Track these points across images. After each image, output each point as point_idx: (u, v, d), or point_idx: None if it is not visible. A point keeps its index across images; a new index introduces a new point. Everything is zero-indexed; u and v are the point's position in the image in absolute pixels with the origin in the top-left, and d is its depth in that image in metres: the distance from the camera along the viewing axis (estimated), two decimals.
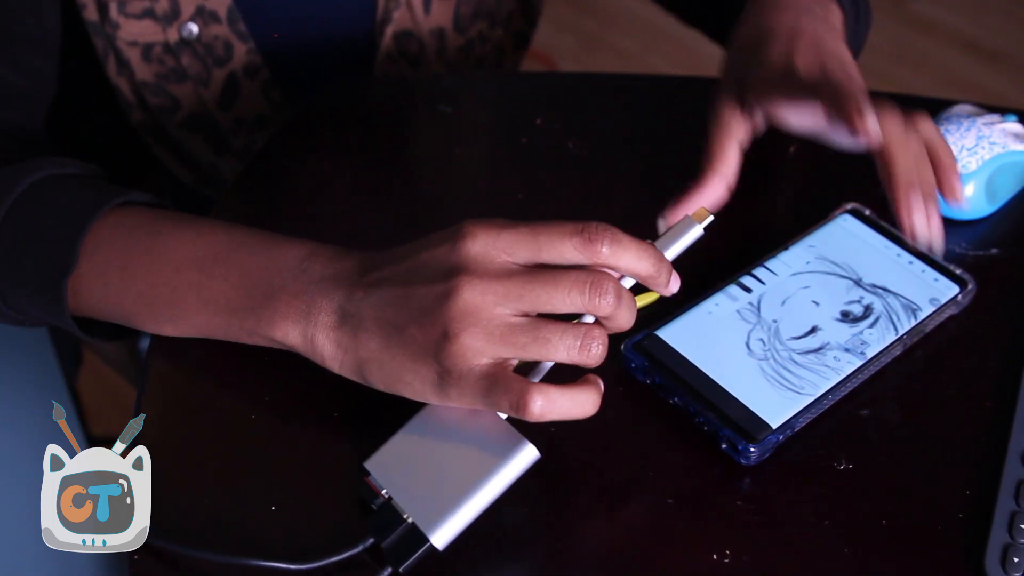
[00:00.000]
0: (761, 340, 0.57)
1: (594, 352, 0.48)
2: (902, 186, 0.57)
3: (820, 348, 0.57)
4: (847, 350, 0.57)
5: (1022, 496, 0.51)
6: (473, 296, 0.48)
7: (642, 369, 0.57)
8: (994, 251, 0.64)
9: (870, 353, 0.57)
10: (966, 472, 0.53)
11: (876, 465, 0.54)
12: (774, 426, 0.53)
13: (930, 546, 0.51)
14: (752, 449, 0.53)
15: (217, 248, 0.55)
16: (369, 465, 0.50)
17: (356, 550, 0.49)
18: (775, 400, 0.54)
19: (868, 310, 0.59)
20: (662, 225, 0.60)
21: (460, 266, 0.48)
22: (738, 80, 0.64)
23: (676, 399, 0.55)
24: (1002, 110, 0.68)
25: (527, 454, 0.49)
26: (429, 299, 0.48)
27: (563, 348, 0.48)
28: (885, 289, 0.60)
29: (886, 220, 0.63)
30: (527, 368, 0.50)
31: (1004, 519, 0.51)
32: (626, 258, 0.49)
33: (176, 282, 0.55)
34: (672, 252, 0.52)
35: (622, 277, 0.50)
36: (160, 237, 0.57)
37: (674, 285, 0.51)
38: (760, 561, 0.50)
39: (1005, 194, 0.66)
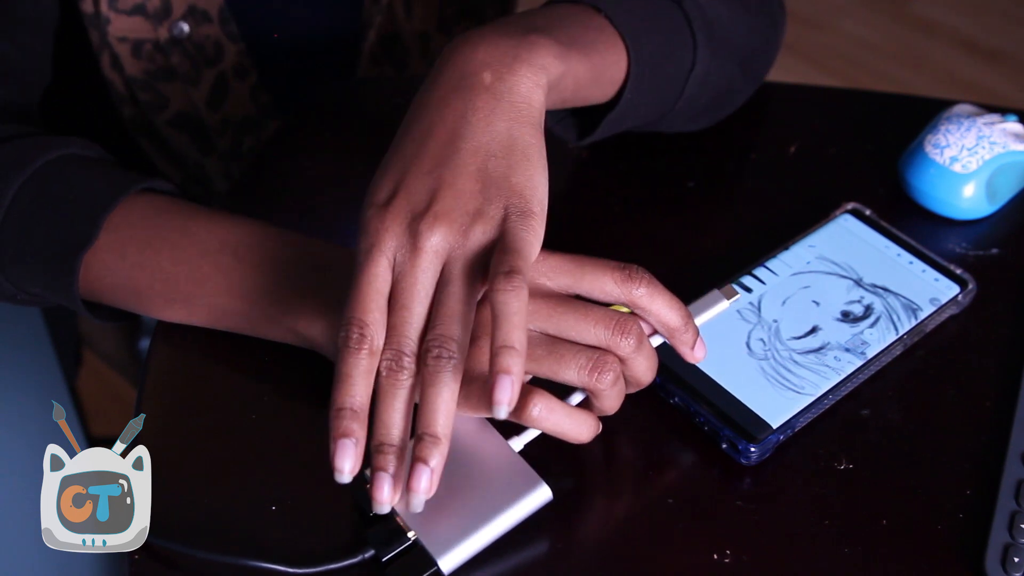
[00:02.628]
0: (761, 340, 0.57)
1: (603, 378, 0.49)
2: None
3: (820, 348, 0.57)
4: (847, 350, 0.57)
5: (1022, 496, 0.51)
6: None
7: None
8: (994, 251, 0.64)
9: (870, 353, 0.57)
10: (966, 472, 0.53)
11: (876, 465, 0.54)
12: (774, 426, 0.53)
13: (930, 546, 0.51)
14: (752, 449, 0.53)
15: (251, 237, 0.56)
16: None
17: (356, 559, 0.49)
18: (775, 400, 0.54)
19: (868, 310, 0.59)
20: None
21: None
22: None
23: (676, 399, 0.55)
24: (1002, 110, 0.68)
25: (541, 494, 0.50)
26: None
27: (575, 367, 0.49)
28: (885, 289, 0.60)
29: (886, 220, 0.63)
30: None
31: (1004, 519, 0.51)
32: (658, 303, 0.50)
33: (202, 262, 0.55)
34: (697, 319, 0.53)
35: (652, 335, 0.51)
36: (192, 220, 0.57)
37: (699, 351, 0.52)
38: (760, 561, 0.50)
39: (1005, 194, 0.66)
